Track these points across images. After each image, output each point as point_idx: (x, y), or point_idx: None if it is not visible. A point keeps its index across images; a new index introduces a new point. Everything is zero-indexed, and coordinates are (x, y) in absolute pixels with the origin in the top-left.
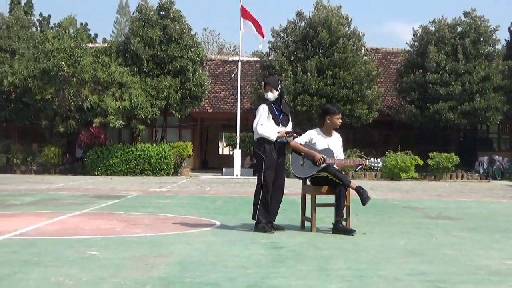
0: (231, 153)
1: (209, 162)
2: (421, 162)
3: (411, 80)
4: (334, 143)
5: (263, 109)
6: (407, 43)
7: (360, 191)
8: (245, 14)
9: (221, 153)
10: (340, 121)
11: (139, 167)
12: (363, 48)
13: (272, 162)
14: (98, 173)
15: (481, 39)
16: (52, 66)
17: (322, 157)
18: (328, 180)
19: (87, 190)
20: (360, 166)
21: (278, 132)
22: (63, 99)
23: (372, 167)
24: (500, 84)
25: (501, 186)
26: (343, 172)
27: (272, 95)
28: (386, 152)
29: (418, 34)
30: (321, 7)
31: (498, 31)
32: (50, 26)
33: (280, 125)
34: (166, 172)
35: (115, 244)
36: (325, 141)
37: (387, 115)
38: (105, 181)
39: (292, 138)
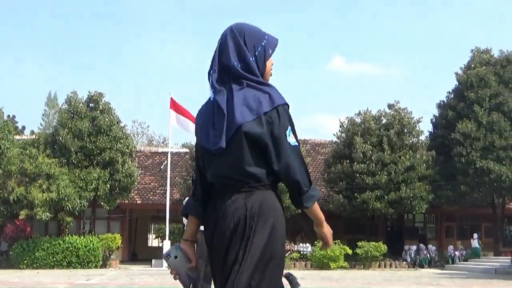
0: (161, 244)
1: (138, 254)
2: (350, 251)
3: (338, 170)
4: None
5: None
6: (334, 135)
7: (289, 277)
8: (175, 106)
9: (150, 245)
10: None
11: (66, 259)
12: None
13: (204, 251)
14: (24, 266)
15: (405, 130)
16: None
17: None
18: None
19: (12, 284)
20: (289, 252)
21: None
22: None
23: (301, 253)
24: (425, 174)
25: (428, 274)
26: None
27: None
28: (316, 242)
29: (345, 126)
30: None
31: (421, 122)
32: None
33: None
34: (94, 265)
35: None
36: None
37: None
38: (31, 274)
39: None
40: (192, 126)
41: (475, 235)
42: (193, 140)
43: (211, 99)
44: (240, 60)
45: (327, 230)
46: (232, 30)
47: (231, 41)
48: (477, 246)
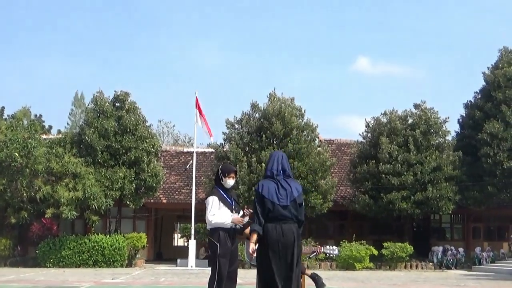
0: (186, 244)
1: (164, 253)
2: (375, 252)
3: (364, 171)
4: None
5: (213, 200)
6: (360, 134)
7: (315, 278)
8: (199, 106)
9: (175, 244)
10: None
11: (92, 258)
12: (316, 139)
13: (226, 250)
14: (50, 265)
15: (431, 130)
16: (4, 157)
17: None
18: None
19: (38, 282)
20: (315, 253)
21: (232, 217)
22: (16, 190)
23: (328, 255)
24: (452, 174)
25: (455, 275)
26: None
27: (233, 182)
28: (341, 242)
29: (371, 126)
30: (275, 99)
31: (447, 122)
32: (3, 117)
33: (234, 211)
34: (120, 264)
35: None
36: None
37: (342, 205)
38: (57, 273)
39: (248, 218)
40: (206, 130)
41: None
42: (217, 140)
43: (277, 181)
44: (289, 169)
45: None
46: (284, 155)
47: (287, 160)
48: None
